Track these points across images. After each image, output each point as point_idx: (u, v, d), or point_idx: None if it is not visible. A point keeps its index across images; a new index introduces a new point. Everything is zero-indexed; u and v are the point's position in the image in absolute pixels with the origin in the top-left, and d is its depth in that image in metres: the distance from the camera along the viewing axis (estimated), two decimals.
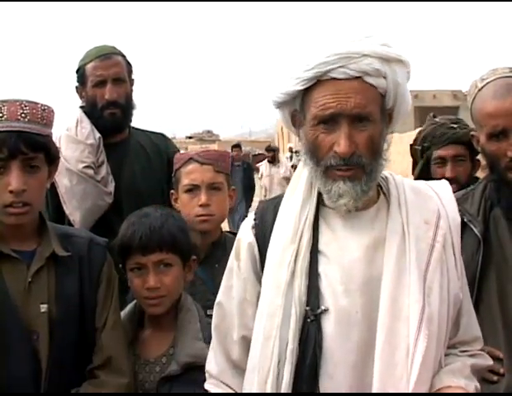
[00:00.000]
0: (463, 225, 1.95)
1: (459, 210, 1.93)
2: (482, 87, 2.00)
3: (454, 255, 1.59)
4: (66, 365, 1.86)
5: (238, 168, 11.21)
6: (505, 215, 2.00)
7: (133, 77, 2.99)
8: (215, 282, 2.22)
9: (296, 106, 1.57)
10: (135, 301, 2.17)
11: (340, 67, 1.45)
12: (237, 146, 12.64)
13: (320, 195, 1.59)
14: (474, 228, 1.97)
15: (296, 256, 1.53)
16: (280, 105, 1.61)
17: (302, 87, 1.51)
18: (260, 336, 1.53)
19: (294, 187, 1.64)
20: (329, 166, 1.49)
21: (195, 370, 1.91)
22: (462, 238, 1.88)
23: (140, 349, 2.10)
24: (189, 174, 2.44)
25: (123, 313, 2.16)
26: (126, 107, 2.90)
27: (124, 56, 2.94)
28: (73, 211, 2.76)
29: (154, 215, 2.11)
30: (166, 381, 2.00)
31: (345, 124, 1.46)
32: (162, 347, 2.08)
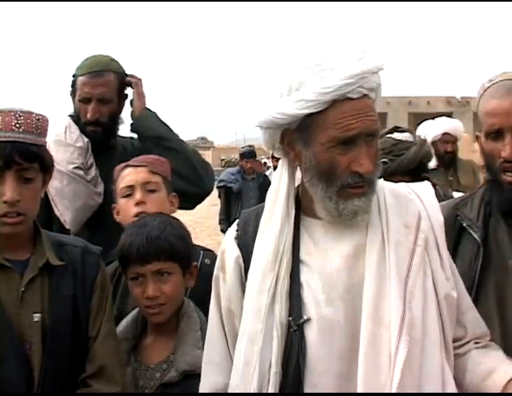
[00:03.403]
0: (462, 230, 1.94)
1: (458, 216, 1.93)
2: (488, 88, 1.99)
3: (440, 255, 1.59)
4: (59, 373, 1.86)
5: (251, 182, 8.45)
6: (502, 218, 1.98)
7: (126, 92, 3.01)
8: None
9: (292, 126, 1.53)
10: (138, 308, 2.18)
11: (358, 87, 1.45)
12: (248, 155, 8.52)
13: (298, 204, 1.60)
14: (473, 233, 1.95)
15: (276, 281, 1.53)
16: (273, 126, 1.56)
17: (316, 110, 1.47)
18: (241, 360, 1.54)
19: (274, 201, 1.61)
20: (345, 184, 1.49)
21: (193, 378, 1.91)
22: (460, 243, 1.86)
23: (142, 355, 2.12)
24: (124, 178, 2.45)
25: (126, 320, 2.19)
26: (108, 126, 2.93)
27: (117, 72, 2.95)
28: (64, 211, 2.79)
29: (151, 224, 2.12)
30: (165, 387, 2.01)
31: (364, 142, 1.47)
32: (163, 353, 2.09)
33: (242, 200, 8.16)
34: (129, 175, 2.44)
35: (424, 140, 3.09)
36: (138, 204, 2.38)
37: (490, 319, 1.85)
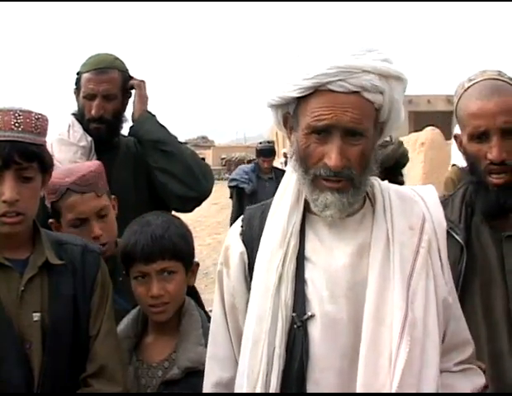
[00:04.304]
0: None
1: None
2: (469, 88, 1.98)
3: (440, 259, 1.59)
4: (59, 373, 1.86)
5: (268, 182, 7.23)
6: (485, 220, 1.98)
7: (130, 91, 3.01)
8: (121, 294, 2.21)
9: (290, 110, 1.58)
10: (138, 307, 2.18)
11: (340, 80, 1.46)
12: (267, 153, 7.43)
13: (306, 201, 1.60)
14: (456, 236, 1.94)
15: (283, 261, 1.55)
16: (273, 106, 1.62)
17: (299, 95, 1.51)
18: (249, 340, 1.54)
19: (282, 193, 1.65)
20: (318, 175, 1.50)
21: (196, 375, 1.92)
22: None
23: (144, 354, 2.12)
24: (72, 208, 2.30)
25: (127, 318, 2.18)
26: (112, 123, 2.93)
27: (122, 70, 2.96)
28: None
29: (155, 223, 2.12)
30: (167, 385, 2.01)
31: (338, 137, 1.47)
32: (165, 352, 2.09)
33: (257, 203, 6.80)
34: (77, 206, 2.30)
35: (401, 142, 3.10)
36: (95, 238, 2.30)
37: (476, 321, 1.84)
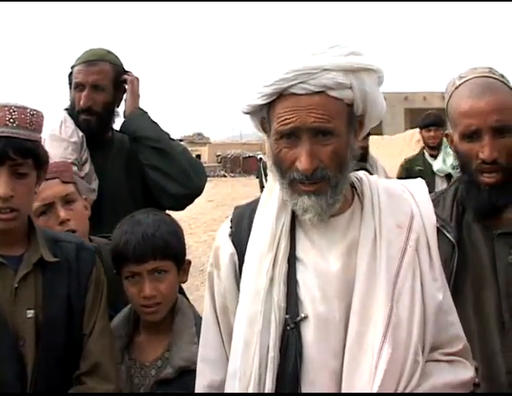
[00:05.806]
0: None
1: None
2: (460, 85, 1.96)
3: (430, 255, 1.58)
4: (53, 370, 1.85)
5: None
6: (477, 219, 1.97)
7: (125, 86, 3.00)
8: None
9: (264, 114, 1.56)
10: (129, 305, 2.17)
11: (300, 83, 1.43)
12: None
13: None
14: (447, 234, 1.94)
15: (273, 264, 1.53)
16: (248, 113, 1.60)
17: (264, 102, 1.50)
18: (240, 342, 1.52)
19: (269, 193, 1.63)
20: (292, 179, 1.49)
21: (189, 374, 1.90)
22: None
23: (136, 353, 2.11)
24: (37, 195, 2.14)
25: (118, 317, 2.17)
26: (102, 115, 2.90)
27: (114, 63, 2.95)
28: None
29: (146, 222, 2.10)
30: (160, 385, 2.00)
31: (306, 139, 1.45)
32: (157, 351, 2.08)
33: None
34: (42, 191, 2.18)
35: None
36: (62, 222, 2.26)
37: (467, 319, 1.83)
